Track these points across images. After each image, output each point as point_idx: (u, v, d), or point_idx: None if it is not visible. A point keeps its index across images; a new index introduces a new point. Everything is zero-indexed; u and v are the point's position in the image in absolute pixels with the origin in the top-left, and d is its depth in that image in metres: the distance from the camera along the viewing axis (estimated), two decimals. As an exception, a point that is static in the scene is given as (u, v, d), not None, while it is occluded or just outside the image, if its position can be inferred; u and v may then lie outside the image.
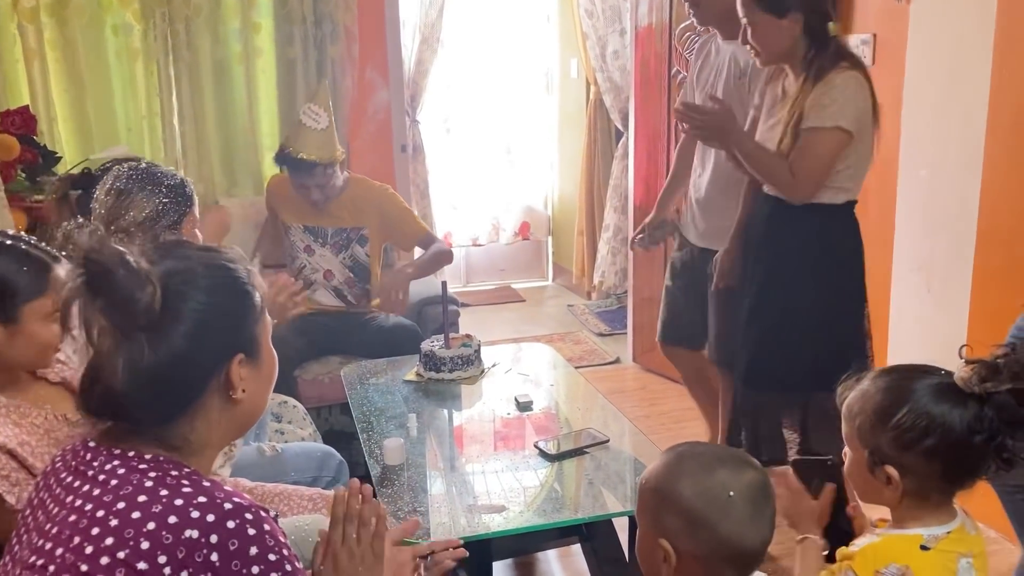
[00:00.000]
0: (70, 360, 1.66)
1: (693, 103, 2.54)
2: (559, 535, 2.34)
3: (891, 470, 1.27)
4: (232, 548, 0.98)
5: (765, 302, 2.39)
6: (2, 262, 1.49)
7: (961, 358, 1.26)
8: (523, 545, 2.45)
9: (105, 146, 3.37)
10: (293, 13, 3.54)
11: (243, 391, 1.11)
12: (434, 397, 2.59)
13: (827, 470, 1.48)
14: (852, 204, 2.33)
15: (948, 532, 1.28)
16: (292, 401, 2.70)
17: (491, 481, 2.09)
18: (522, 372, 2.76)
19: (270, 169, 3.70)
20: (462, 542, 1.46)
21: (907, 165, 3.03)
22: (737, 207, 2.59)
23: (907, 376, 1.31)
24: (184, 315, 1.06)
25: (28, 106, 3.20)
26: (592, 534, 2.30)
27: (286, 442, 2.44)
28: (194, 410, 1.09)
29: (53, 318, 1.50)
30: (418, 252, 3.43)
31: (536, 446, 2.18)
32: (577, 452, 2.16)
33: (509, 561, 2.70)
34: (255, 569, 0.99)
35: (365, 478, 2.12)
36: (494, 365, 2.76)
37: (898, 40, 2.93)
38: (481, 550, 1.92)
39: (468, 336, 2.76)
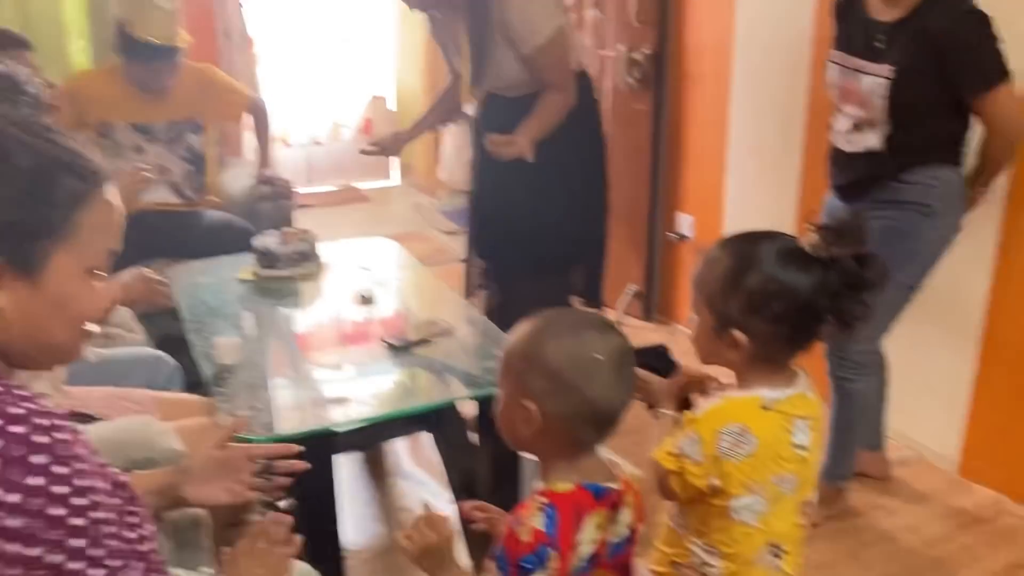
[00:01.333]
0: None
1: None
2: (407, 426, 2.31)
3: (738, 334, 1.29)
4: (14, 455, 0.88)
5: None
6: None
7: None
8: (370, 437, 2.40)
9: None
10: None
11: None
12: (271, 295, 2.47)
13: (662, 357, 1.49)
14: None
15: (788, 396, 1.31)
16: (119, 306, 2.52)
17: (335, 376, 2.02)
18: (365, 267, 2.67)
19: (79, 58, 3.38)
20: (301, 449, 1.38)
21: (741, 49, 3.08)
22: None
23: (754, 241, 1.32)
24: None
25: None
26: (441, 422, 2.28)
27: (115, 348, 2.28)
28: None
29: None
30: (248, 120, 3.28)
31: (381, 339, 2.12)
32: (423, 342, 2.11)
33: (359, 456, 2.67)
34: (38, 480, 0.88)
35: (202, 387, 2.02)
36: (334, 261, 2.65)
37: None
38: (324, 444, 1.86)
39: (304, 231, 2.64)
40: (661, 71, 3.40)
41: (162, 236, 2.98)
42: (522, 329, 1.19)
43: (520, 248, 2.59)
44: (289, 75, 5.34)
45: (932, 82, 2.01)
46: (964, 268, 2.37)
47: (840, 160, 2.26)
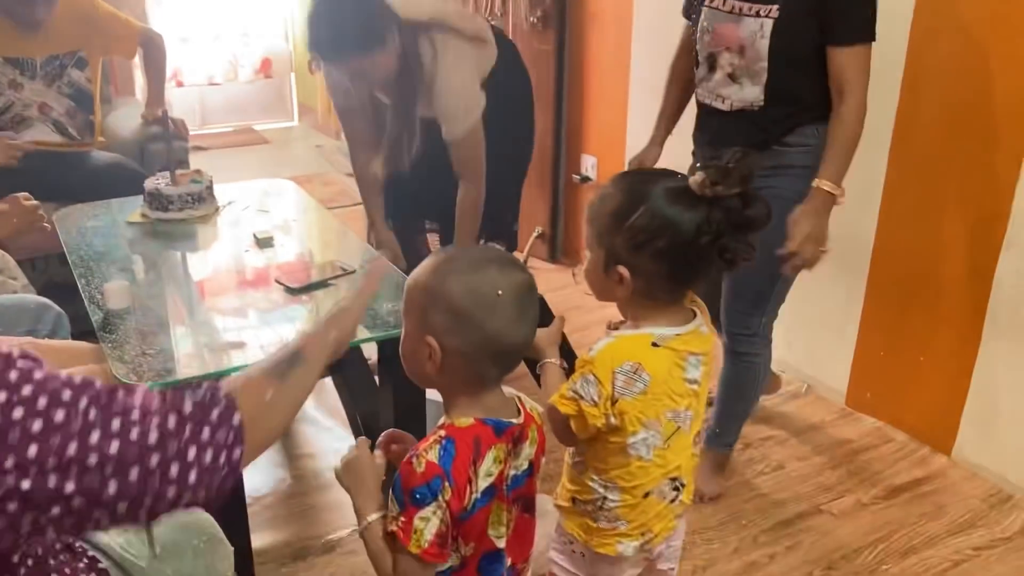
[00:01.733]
0: None
1: None
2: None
3: (623, 270, 1.30)
4: None
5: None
6: None
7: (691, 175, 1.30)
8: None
9: None
10: None
11: None
12: (163, 238, 2.39)
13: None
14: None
15: (679, 334, 1.33)
16: (0, 251, 2.40)
17: (232, 319, 1.97)
18: (263, 209, 2.60)
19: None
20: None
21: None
22: None
23: (644, 180, 1.33)
24: None
25: None
26: (342, 366, 2.26)
27: (-4, 295, 2.18)
28: None
29: None
30: (140, 56, 3.14)
31: (278, 281, 2.07)
32: (322, 284, 2.07)
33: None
34: None
35: (92, 334, 1.94)
36: (230, 203, 2.58)
37: None
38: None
39: (198, 172, 2.55)
40: (563, 10, 3.38)
41: (46, 177, 2.81)
42: (425, 265, 1.18)
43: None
44: (184, 10, 5.10)
45: (813, 28, 1.89)
46: (854, 207, 2.45)
47: (712, 123, 2.10)
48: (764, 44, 1.91)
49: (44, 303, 2.09)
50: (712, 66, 2.03)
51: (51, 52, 2.86)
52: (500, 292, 1.13)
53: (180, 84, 5.47)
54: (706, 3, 2.00)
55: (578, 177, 3.57)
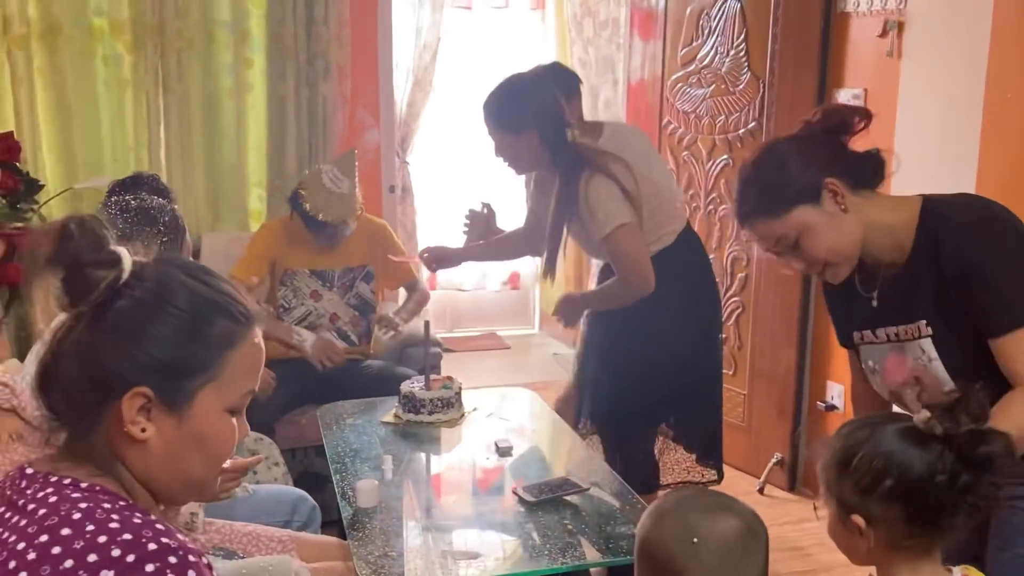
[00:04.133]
0: (15, 386, 1.62)
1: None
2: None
3: (858, 518, 1.22)
4: None
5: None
6: None
7: (919, 401, 1.23)
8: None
9: (90, 175, 3.34)
10: (286, 50, 3.53)
11: (143, 431, 0.99)
12: (412, 440, 2.52)
13: None
14: (667, 250, 2.53)
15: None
16: (267, 439, 2.63)
17: (468, 527, 2.03)
18: (503, 417, 2.70)
19: (256, 205, 3.68)
20: None
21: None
22: None
23: (866, 423, 1.27)
24: (130, 313, 0.99)
25: (12, 132, 3.16)
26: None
27: (258, 482, 2.37)
28: (105, 428, 0.99)
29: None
30: (402, 294, 3.40)
31: (515, 492, 2.11)
32: (556, 499, 2.09)
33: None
34: None
35: (337, 523, 2.06)
36: (475, 409, 2.70)
37: (888, 95, 2.94)
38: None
39: (449, 378, 2.70)
40: (811, 237, 3.37)
41: (324, 383, 3.04)
42: (648, 511, 1.17)
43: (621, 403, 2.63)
44: (444, 226, 5.61)
45: (970, 328, 1.58)
46: None
47: None
48: (938, 367, 1.61)
49: (301, 496, 2.25)
50: (902, 405, 1.74)
51: (347, 265, 3.21)
52: (695, 540, 1.08)
53: (434, 288, 5.92)
54: (859, 341, 1.77)
55: (823, 405, 3.42)
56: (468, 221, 2.98)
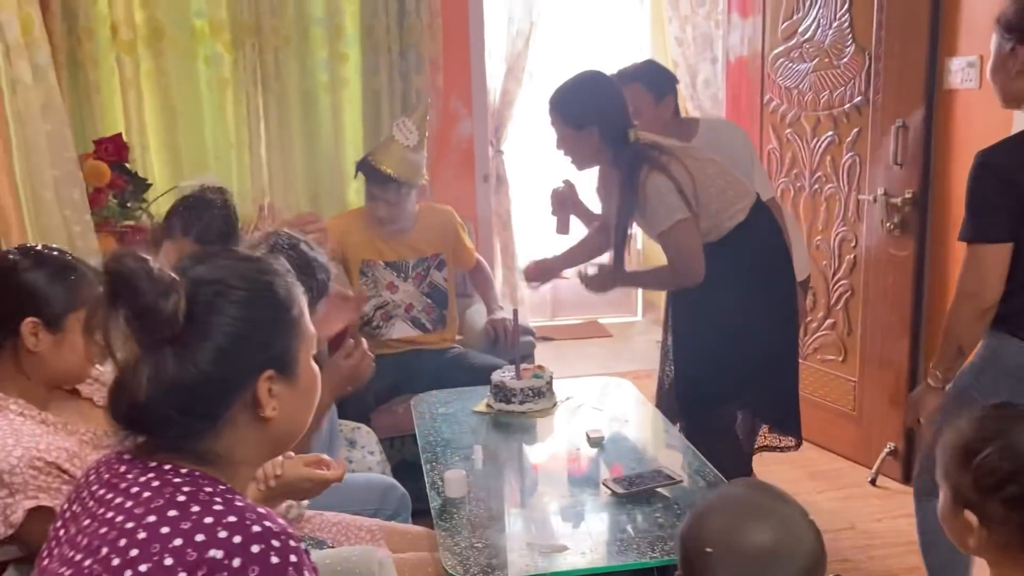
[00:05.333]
0: (103, 376, 1.67)
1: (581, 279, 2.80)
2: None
3: (970, 516, 1.13)
4: (252, 574, 0.92)
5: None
6: (49, 272, 1.52)
7: None
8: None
9: (194, 173, 3.44)
10: (379, 44, 3.56)
11: (274, 408, 1.06)
12: (502, 429, 2.51)
13: None
14: (742, 226, 2.53)
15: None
16: (365, 428, 2.66)
17: (556, 518, 1.99)
18: (596, 407, 2.65)
19: (353, 198, 3.72)
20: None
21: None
22: None
23: (1004, 415, 1.16)
24: (211, 328, 1.02)
25: (121, 134, 3.29)
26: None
27: (353, 471, 2.40)
28: (222, 426, 1.05)
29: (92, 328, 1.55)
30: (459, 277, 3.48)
31: (605, 484, 2.07)
32: (648, 491, 2.03)
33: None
34: None
35: (424, 512, 2.06)
36: (567, 399, 2.66)
37: (1008, 61, 2.74)
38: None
39: (540, 367, 2.68)
40: (923, 216, 3.19)
41: (421, 375, 3.06)
42: (696, 510, 1.12)
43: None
44: (540, 215, 5.58)
45: None
46: None
47: None
48: None
49: (391, 484, 2.27)
50: None
51: (420, 255, 3.23)
52: (709, 550, 1.02)
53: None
54: None
55: (938, 392, 3.24)
56: (552, 202, 2.97)
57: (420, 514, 2.34)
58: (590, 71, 2.59)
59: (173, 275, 1.01)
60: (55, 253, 1.59)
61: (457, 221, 3.36)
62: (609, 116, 2.49)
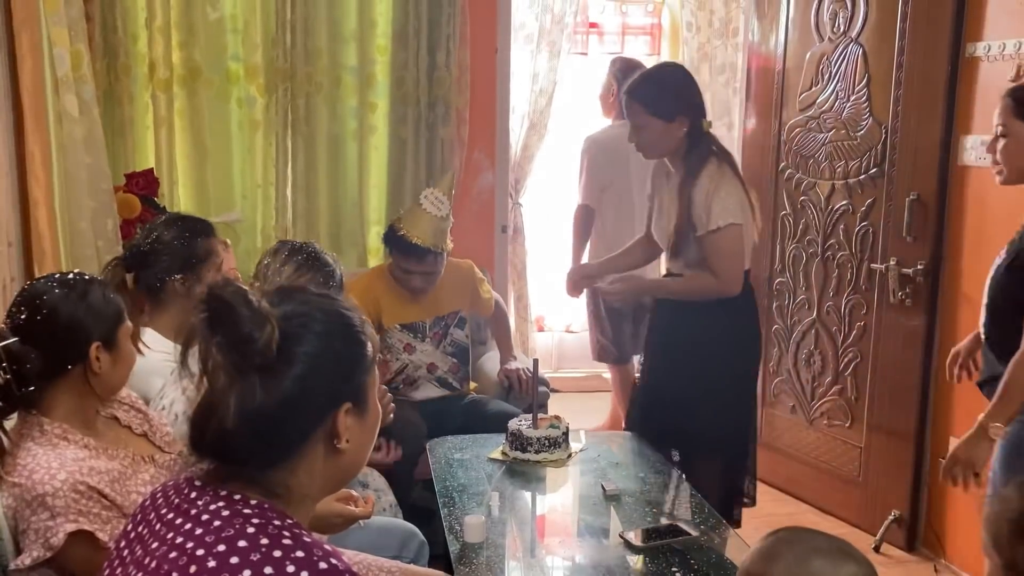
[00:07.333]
0: (138, 402, 1.73)
1: (605, 287, 2.96)
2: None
3: None
4: None
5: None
6: (94, 295, 1.61)
7: None
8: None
9: (220, 211, 3.51)
10: (408, 95, 3.66)
11: (347, 441, 1.10)
12: (518, 477, 2.53)
13: None
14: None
15: None
16: (375, 471, 2.68)
17: (572, 569, 2.02)
18: (610, 459, 2.68)
19: (375, 242, 3.78)
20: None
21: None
22: None
23: None
24: (298, 358, 1.06)
25: (152, 169, 3.36)
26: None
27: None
28: (298, 456, 1.08)
29: (133, 338, 1.68)
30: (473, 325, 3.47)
31: (621, 536, 2.10)
32: (664, 545, 2.06)
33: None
34: None
35: (442, 557, 2.08)
36: (583, 449, 2.69)
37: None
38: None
39: (557, 417, 2.71)
40: (934, 288, 3.25)
41: (437, 417, 3.10)
42: (755, 547, 1.15)
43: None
44: (552, 265, 5.64)
45: None
46: None
47: None
48: None
49: (411, 531, 2.28)
50: None
51: (437, 315, 3.22)
52: None
53: (541, 329, 5.94)
54: None
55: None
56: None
57: (432, 559, 2.36)
58: (671, 63, 2.72)
59: (267, 307, 1.05)
60: (79, 276, 1.66)
61: (476, 275, 3.36)
62: (696, 107, 2.61)
